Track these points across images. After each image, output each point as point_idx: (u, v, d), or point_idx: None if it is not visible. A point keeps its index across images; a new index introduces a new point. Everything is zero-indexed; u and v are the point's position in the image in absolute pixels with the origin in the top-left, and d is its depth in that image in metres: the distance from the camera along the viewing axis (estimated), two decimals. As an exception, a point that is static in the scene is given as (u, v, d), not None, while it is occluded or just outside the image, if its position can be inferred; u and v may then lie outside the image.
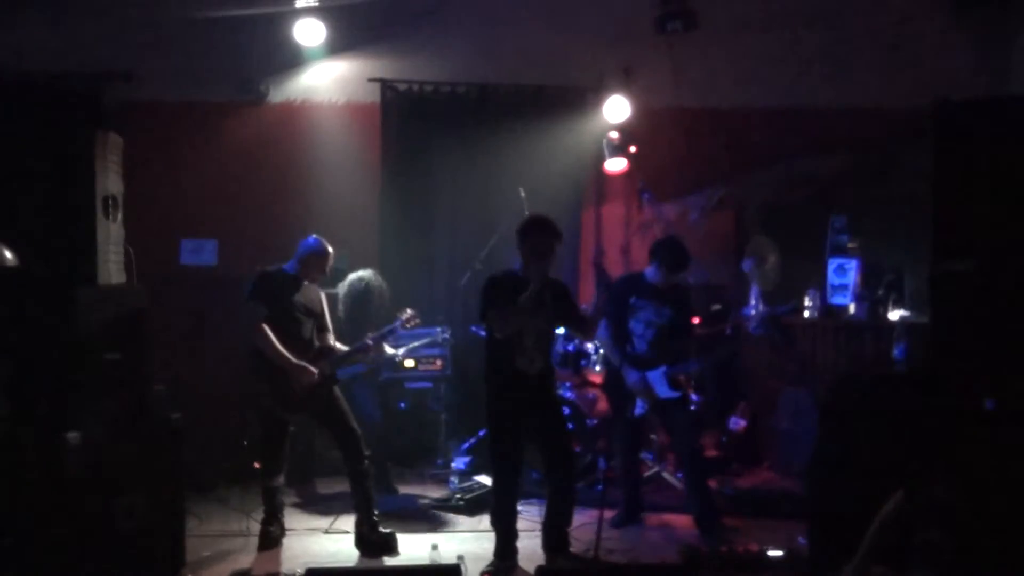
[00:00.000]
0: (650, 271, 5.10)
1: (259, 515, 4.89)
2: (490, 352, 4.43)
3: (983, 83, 6.56)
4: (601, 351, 6.14)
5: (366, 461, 4.78)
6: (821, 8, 6.82)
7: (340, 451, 4.82)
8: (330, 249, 4.86)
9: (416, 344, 6.08)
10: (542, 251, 4.26)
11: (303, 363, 4.64)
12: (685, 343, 5.15)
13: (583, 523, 4.73)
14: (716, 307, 6.67)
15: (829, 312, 6.34)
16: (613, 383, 5.18)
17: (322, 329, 4.91)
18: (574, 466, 4.66)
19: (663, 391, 4.99)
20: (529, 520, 4.88)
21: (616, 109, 6.78)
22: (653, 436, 6.06)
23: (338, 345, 4.98)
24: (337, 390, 4.85)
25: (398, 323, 5.02)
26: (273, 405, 4.73)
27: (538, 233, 4.30)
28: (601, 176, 7.12)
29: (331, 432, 4.86)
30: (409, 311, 5.07)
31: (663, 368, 4.99)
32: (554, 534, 4.47)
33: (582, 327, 4.63)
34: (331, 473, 5.97)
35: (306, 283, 4.85)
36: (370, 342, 4.95)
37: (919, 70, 6.52)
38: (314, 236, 4.87)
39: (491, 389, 4.43)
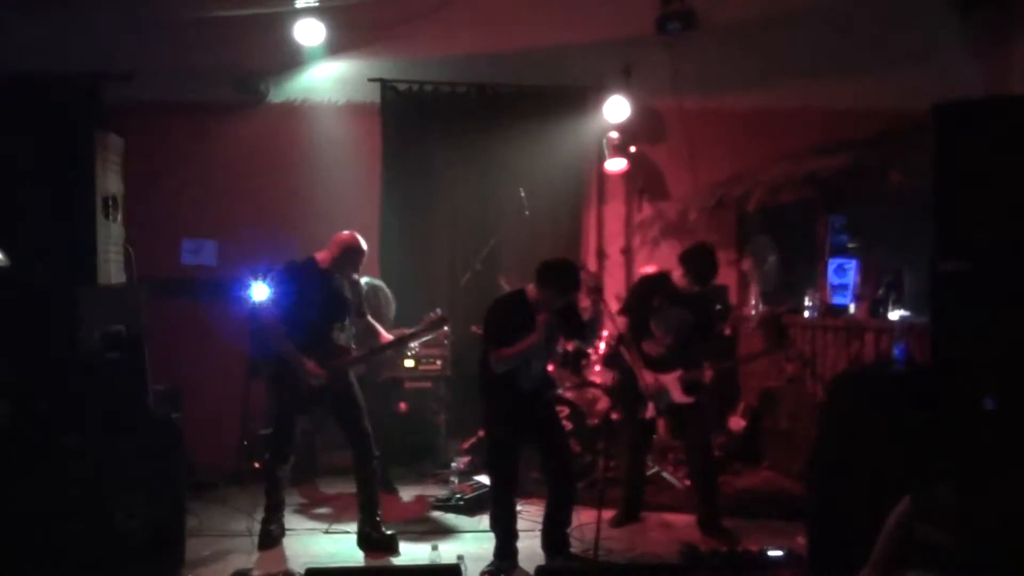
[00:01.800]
0: (678, 276, 5.02)
1: (259, 515, 4.88)
2: (489, 369, 4.35)
3: (983, 83, 6.55)
4: (602, 351, 6.15)
5: (375, 461, 4.78)
6: (821, 8, 6.82)
7: (351, 449, 4.80)
8: (364, 246, 4.78)
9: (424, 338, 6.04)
10: (552, 303, 4.25)
11: (313, 365, 4.60)
12: (705, 348, 5.11)
13: (583, 523, 4.73)
14: (716, 307, 6.67)
15: (829, 312, 6.34)
16: (625, 383, 5.15)
17: (345, 324, 4.81)
18: (572, 467, 4.66)
19: (677, 395, 4.98)
20: (529, 520, 4.88)
21: (616, 109, 6.78)
22: (653, 436, 6.04)
23: (381, 331, 4.96)
24: (356, 388, 4.82)
25: (424, 326, 4.89)
26: (283, 400, 4.72)
27: (554, 287, 4.23)
28: (601, 176, 7.13)
29: (343, 430, 4.84)
30: (439, 311, 4.93)
31: (679, 372, 4.99)
32: (554, 534, 4.48)
33: (585, 338, 4.62)
34: (331, 473, 5.97)
35: (336, 276, 4.75)
36: (392, 339, 4.95)
37: (919, 70, 6.51)
38: (349, 231, 4.77)
39: (489, 402, 4.43)
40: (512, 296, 4.48)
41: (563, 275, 4.27)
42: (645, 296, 5.08)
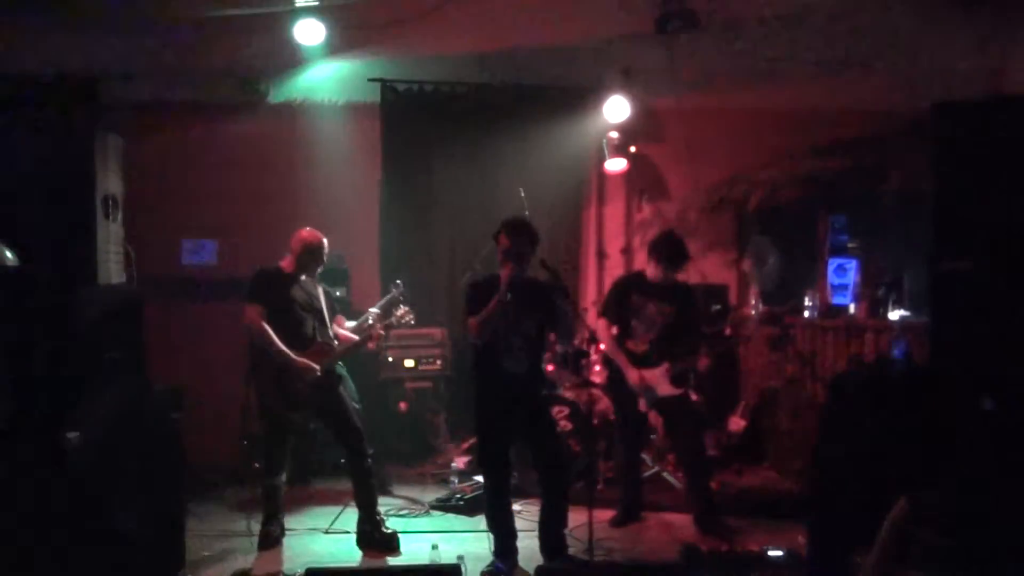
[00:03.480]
0: (650, 268, 5.12)
1: (259, 515, 4.88)
2: (477, 353, 4.44)
3: (983, 83, 6.55)
4: (601, 350, 6.15)
5: (369, 460, 4.78)
6: (821, 8, 6.81)
7: (343, 449, 4.82)
8: (324, 240, 4.84)
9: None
10: (511, 255, 4.27)
11: (305, 360, 4.64)
12: (689, 341, 5.15)
13: (582, 523, 4.72)
14: (716, 307, 6.68)
15: (829, 312, 6.35)
16: (615, 382, 5.19)
17: (323, 323, 4.88)
18: (565, 468, 4.64)
19: (664, 389, 5.01)
20: (529, 520, 4.88)
21: (616, 109, 6.78)
22: (652, 436, 6.06)
23: (345, 332, 5.01)
24: (342, 388, 4.84)
25: (395, 292, 5.08)
26: (275, 403, 4.72)
27: (509, 237, 4.30)
28: (601, 176, 7.13)
29: (334, 430, 4.86)
30: (399, 282, 5.16)
31: (665, 366, 5.01)
32: (551, 536, 4.48)
33: (558, 323, 4.55)
34: (331, 473, 5.97)
35: (304, 278, 4.83)
36: (376, 324, 5.00)
37: (919, 70, 6.51)
38: (307, 228, 4.85)
39: (478, 390, 4.45)
40: (487, 275, 4.53)
41: (513, 228, 4.33)
42: (622, 296, 5.16)
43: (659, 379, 5.03)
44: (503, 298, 4.21)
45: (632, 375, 5.03)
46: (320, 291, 4.94)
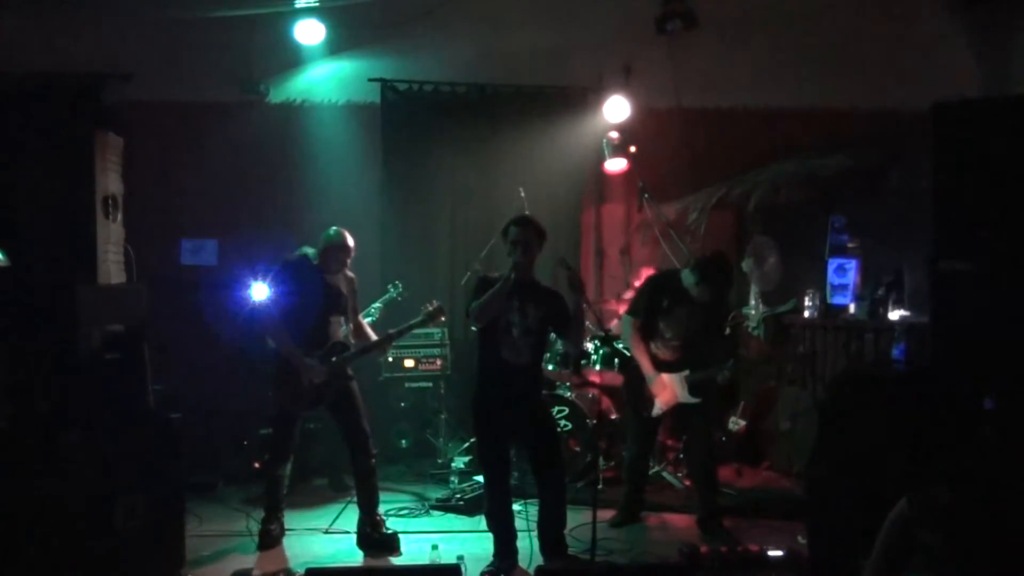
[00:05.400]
0: (687, 277, 4.96)
1: (259, 515, 4.88)
2: (479, 346, 4.47)
3: (983, 83, 6.55)
4: (602, 351, 6.14)
5: (373, 460, 4.78)
6: (821, 8, 6.82)
7: (347, 447, 4.81)
8: (350, 242, 4.80)
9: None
10: (519, 245, 4.31)
11: (313, 362, 4.62)
12: (712, 349, 5.08)
13: (582, 523, 4.72)
14: (727, 308, 6.66)
15: (829, 312, 6.35)
16: (633, 382, 5.15)
17: (345, 320, 4.85)
18: (563, 469, 4.62)
19: (683, 395, 4.98)
20: (530, 520, 4.87)
21: (616, 109, 6.78)
22: (657, 436, 6.04)
23: (368, 331, 4.98)
24: (354, 386, 4.82)
25: (422, 317, 4.91)
26: (282, 400, 4.72)
27: (517, 228, 4.35)
28: (601, 176, 7.13)
29: (341, 427, 4.85)
30: (436, 302, 4.92)
31: (685, 372, 4.99)
32: (550, 537, 4.47)
33: (569, 330, 4.53)
34: (332, 472, 5.97)
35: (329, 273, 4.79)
36: (392, 332, 4.90)
37: (919, 70, 6.51)
38: (335, 228, 4.80)
39: (478, 383, 4.45)
40: (495, 277, 4.51)
41: (518, 216, 4.45)
42: (653, 296, 5.08)
43: (678, 384, 5.00)
44: (508, 279, 4.22)
45: (652, 376, 4.99)
46: (346, 287, 4.87)
